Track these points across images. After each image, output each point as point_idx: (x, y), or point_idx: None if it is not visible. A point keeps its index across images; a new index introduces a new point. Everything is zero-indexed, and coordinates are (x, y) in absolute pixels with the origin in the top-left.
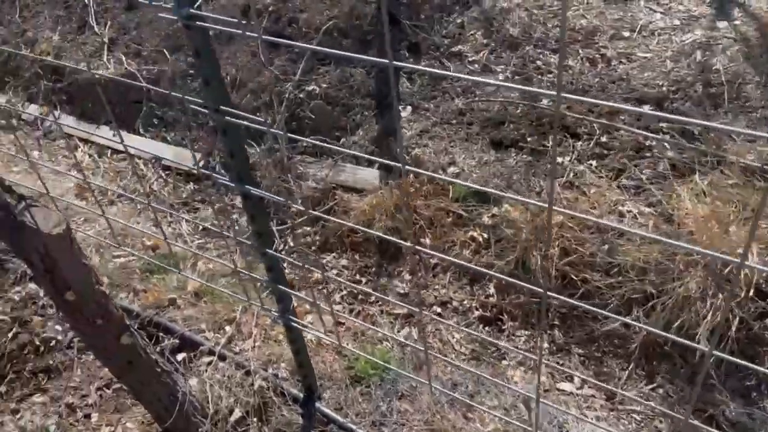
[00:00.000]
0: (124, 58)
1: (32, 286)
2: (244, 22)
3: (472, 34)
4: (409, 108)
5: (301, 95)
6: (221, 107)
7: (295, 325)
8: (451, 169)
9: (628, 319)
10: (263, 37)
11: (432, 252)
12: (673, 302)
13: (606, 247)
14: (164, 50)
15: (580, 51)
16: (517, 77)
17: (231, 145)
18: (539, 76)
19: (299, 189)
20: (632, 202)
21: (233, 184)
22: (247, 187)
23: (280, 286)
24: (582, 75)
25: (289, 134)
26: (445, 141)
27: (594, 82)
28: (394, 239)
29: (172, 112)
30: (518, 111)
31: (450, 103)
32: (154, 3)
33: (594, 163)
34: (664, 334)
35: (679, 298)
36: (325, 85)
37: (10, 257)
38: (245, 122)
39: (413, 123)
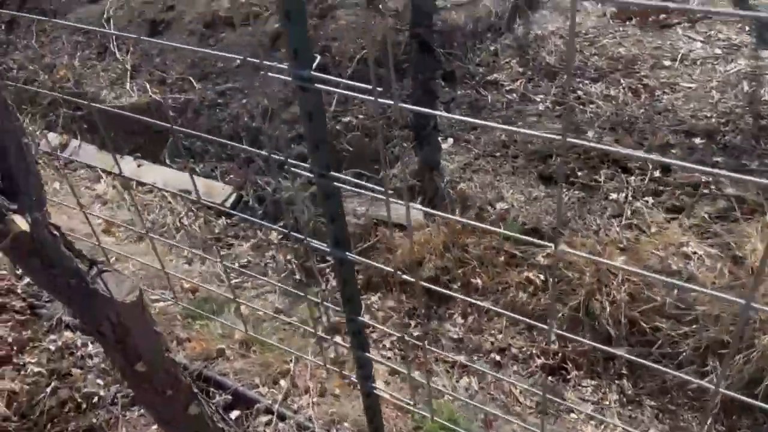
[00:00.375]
0: (148, 86)
1: (68, 334)
2: (371, 87)
3: (506, 62)
4: (450, 140)
5: (337, 127)
6: (329, 173)
7: (377, 392)
8: (500, 205)
9: (705, 383)
10: (401, 105)
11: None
12: (759, 355)
13: (675, 292)
14: (190, 78)
15: (622, 80)
16: (558, 107)
17: (332, 209)
18: (581, 106)
19: None
20: (697, 243)
21: (329, 249)
22: (346, 254)
23: (366, 354)
24: (626, 106)
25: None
26: (490, 175)
27: (639, 113)
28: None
29: (200, 142)
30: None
31: (491, 134)
32: (266, 63)
33: (650, 200)
34: (740, 397)
35: (766, 352)
36: (361, 116)
37: (44, 302)
38: (356, 188)
39: (455, 155)
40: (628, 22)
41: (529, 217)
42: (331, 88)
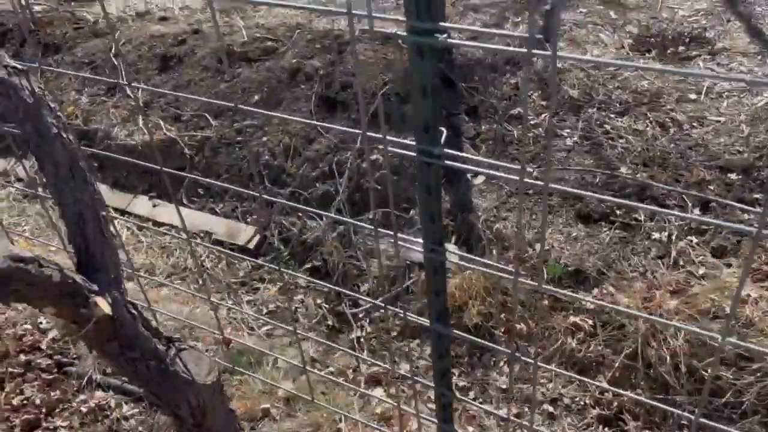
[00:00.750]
0: (162, 123)
1: (100, 393)
2: (501, 165)
3: (529, 96)
4: (480, 176)
5: (363, 165)
6: (441, 247)
7: None
8: (540, 246)
9: None
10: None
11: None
12: None
13: (735, 338)
14: (206, 114)
15: (648, 114)
16: (586, 142)
17: (438, 284)
18: (610, 141)
19: (369, 267)
20: (751, 285)
21: (426, 323)
22: (448, 329)
23: (452, 427)
24: (656, 140)
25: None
26: (526, 214)
27: (670, 148)
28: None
29: (219, 181)
30: (597, 180)
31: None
32: (389, 138)
33: (694, 239)
34: None
35: None
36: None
37: (71, 359)
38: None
39: (487, 193)
40: (647, 54)
41: (571, 259)
42: (471, 168)
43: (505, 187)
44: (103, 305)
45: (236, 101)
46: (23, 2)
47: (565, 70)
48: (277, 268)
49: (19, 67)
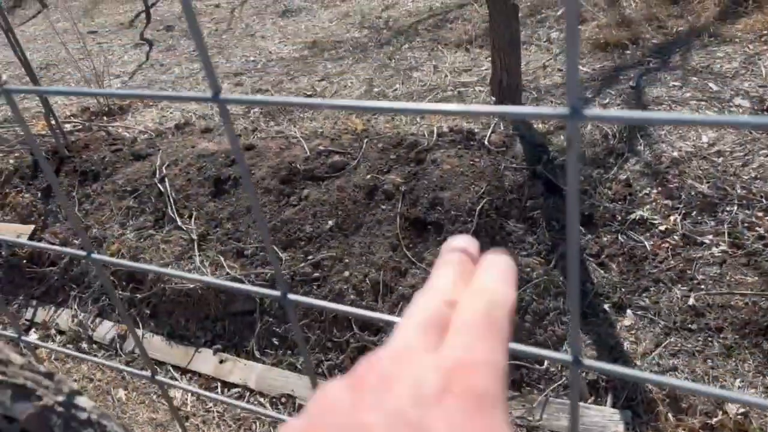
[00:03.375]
0: (222, 259)
1: None
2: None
3: (646, 194)
4: (629, 312)
5: None
6: None
7: None
8: (730, 406)
9: None
10: None
11: None
12: None
13: None
14: (273, 247)
15: None
16: (738, 251)
17: None
18: (766, 248)
19: None
20: None
21: None
22: None
23: None
24: None
25: None
26: (697, 359)
27: None
28: None
29: (310, 333)
30: None
31: (670, 294)
32: None
33: None
34: None
35: None
36: None
37: None
38: None
39: (638, 331)
40: None
41: None
42: None
43: (658, 320)
44: None
45: (307, 229)
46: (53, 122)
47: (682, 159)
48: None
49: None
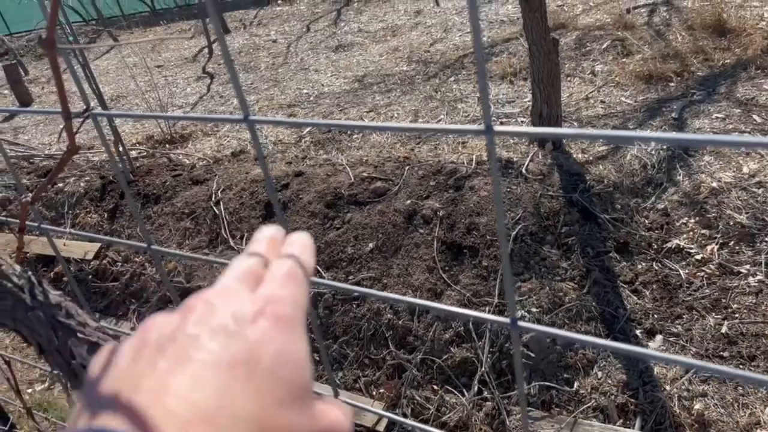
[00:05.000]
0: None
1: None
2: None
3: (683, 224)
4: (658, 337)
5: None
6: None
7: None
8: None
9: None
10: None
11: None
12: None
13: None
14: (317, 267)
15: None
16: None
17: None
18: None
19: None
20: None
21: None
22: None
23: None
24: None
25: None
26: (728, 387)
27: None
28: None
29: (336, 344)
30: None
31: (703, 321)
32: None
33: None
34: None
35: None
36: (535, 310)
37: None
38: None
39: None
40: None
41: None
42: None
43: (689, 347)
44: None
45: (348, 251)
46: (120, 149)
47: (721, 190)
48: None
49: None
